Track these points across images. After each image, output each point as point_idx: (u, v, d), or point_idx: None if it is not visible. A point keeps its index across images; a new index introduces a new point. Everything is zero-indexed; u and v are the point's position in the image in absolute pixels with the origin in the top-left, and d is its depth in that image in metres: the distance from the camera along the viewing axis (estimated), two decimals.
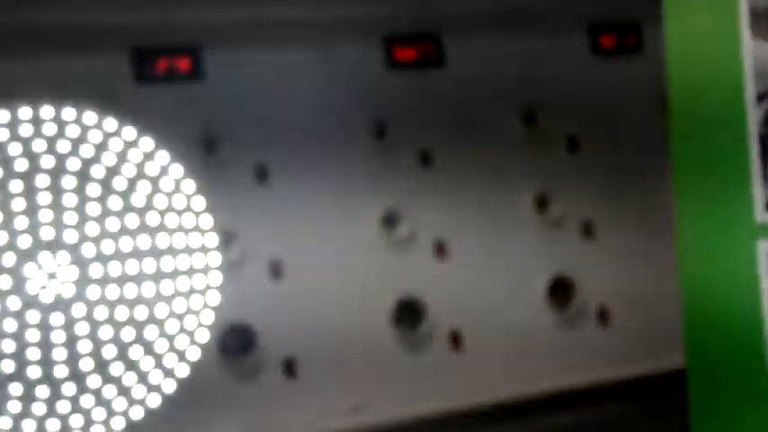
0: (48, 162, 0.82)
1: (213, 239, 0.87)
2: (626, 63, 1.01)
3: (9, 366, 0.81)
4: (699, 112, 0.86)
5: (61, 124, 0.83)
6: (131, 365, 0.84)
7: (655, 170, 1.01)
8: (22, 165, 0.82)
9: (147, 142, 0.85)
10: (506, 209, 0.97)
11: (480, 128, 0.96)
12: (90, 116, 0.83)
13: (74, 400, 0.83)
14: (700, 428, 0.89)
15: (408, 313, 0.93)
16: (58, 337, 0.82)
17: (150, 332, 0.84)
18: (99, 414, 0.83)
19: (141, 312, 0.84)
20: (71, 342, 0.82)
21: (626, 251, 1.00)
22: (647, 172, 1.01)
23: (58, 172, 0.82)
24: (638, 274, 1.00)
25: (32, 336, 0.81)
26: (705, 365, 0.89)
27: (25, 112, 0.82)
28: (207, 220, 0.86)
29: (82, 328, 0.83)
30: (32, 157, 0.82)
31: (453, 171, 0.95)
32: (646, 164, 1.01)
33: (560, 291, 0.98)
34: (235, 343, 0.88)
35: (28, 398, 0.82)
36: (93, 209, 0.83)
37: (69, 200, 0.82)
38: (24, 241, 0.81)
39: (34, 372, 0.82)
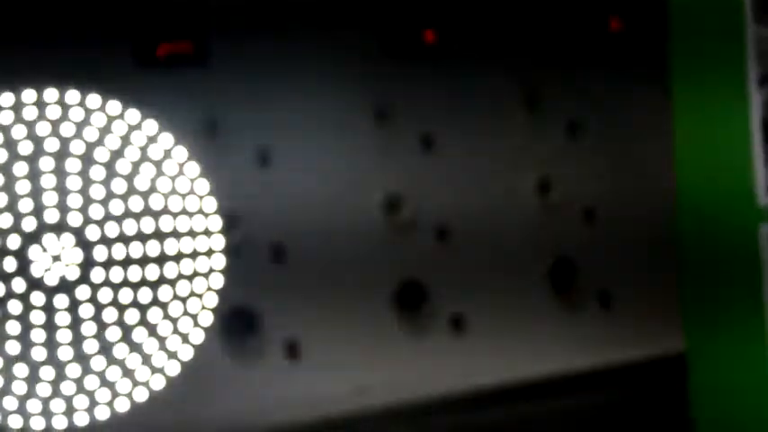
0: (52, 145, 0.82)
1: (216, 222, 0.87)
2: None
3: (14, 348, 0.81)
4: None
5: (65, 107, 0.83)
6: (135, 347, 0.85)
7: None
8: (26, 147, 0.82)
9: (151, 125, 0.85)
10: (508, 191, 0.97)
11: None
12: (94, 99, 0.84)
13: (78, 381, 0.83)
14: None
15: (410, 296, 0.94)
16: (63, 319, 0.82)
17: (154, 315, 0.85)
18: (103, 395, 0.84)
19: (145, 295, 0.84)
20: (75, 324, 0.83)
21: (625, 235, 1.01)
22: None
23: (62, 155, 0.83)
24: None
25: (37, 318, 0.82)
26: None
27: (29, 95, 0.82)
28: (210, 204, 0.87)
29: (86, 311, 0.83)
30: (37, 140, 0.82)
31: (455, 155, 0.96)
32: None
33: (562, 273, 0.99)
34: (237, 326, 0.88)
35: (33, 379, 0.82)
36: (97, 192, 0.83)
37: (73, 183, 0.83)
38: (29, 224, 0.82)
39: (38, 353, 0.82)
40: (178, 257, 0.85)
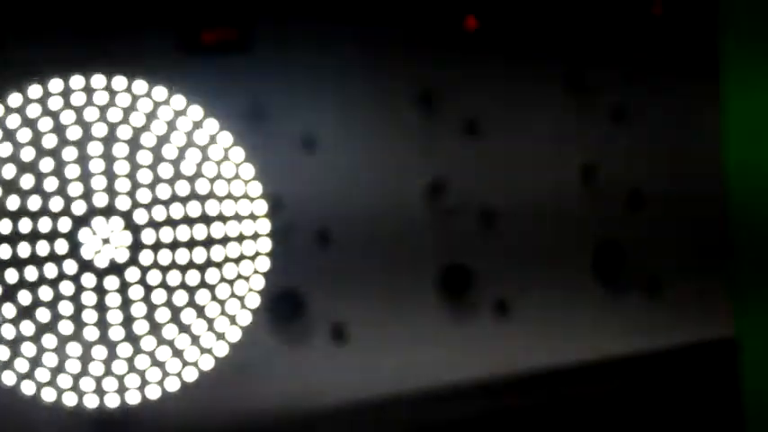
0: (100, 130, 0.84)
1: (262, 206, 0.88)
2: None
3: (67, 328, 0.83)
4: None
5: (112, 93, 0.84)
6: (184, 328, 0.86)
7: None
8: (75, 133, 0.84)
9: (196, 111, 0.86)
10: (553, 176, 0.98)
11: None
12: (140, 85, 0.85)
13: (129, 361, 0.85)
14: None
15: (455, 280, 0.94)
16: (113, 300, 0.84)
17: (202, 297, 0.86)
18: (154, 375, 0.85)
19: (193, 277, 0.86)
20: (126, 305, 0.84)
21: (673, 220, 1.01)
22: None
23: (109, 140, 0.84)
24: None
25: (88, 299, 0.84)
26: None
27: (77, 81, 0.84)
28: (255, 188, 0.88)
29: (136, 292, 0.84)
30: (85, 126, 0.84)
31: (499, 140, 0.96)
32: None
33: (608, 259, 0.99)
34: (284, 308, 0.89)
35: (86, 358, 0.84)
36: (144, 176, 0.85)
37: (121, 167, 0.84)
38: (79, 207, 0.83)
39: (91, 333, 0.84)
40: (224, 241, 0.87)
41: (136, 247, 0.85)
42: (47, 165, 0.83)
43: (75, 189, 0.83)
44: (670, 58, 1.01)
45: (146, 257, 0.85)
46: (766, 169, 1.03)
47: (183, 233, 0.86)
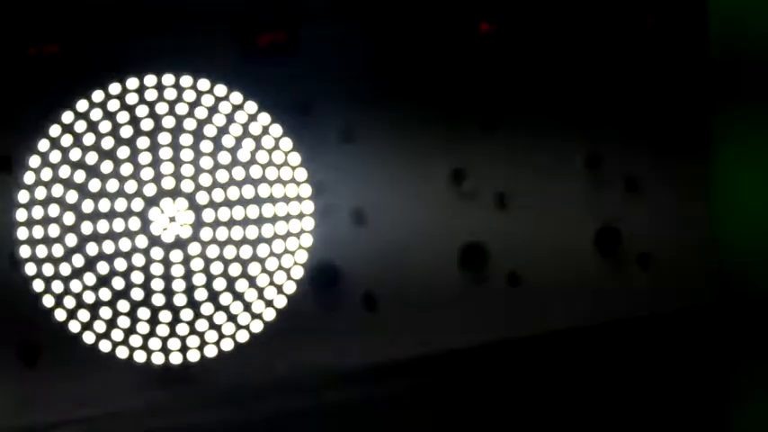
0: (169, 122, 0.91)
1: (306, 190, 0.95)
2: None
3: (138, 294, 0.90)
4: None
5: (180, 90, 0.91)
6: (238, 296, 0.93)
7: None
8: (147, 124, 0.90)
9: (251, 106, 0.93)
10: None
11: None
12: (203, 83, 0.92)
13: (191, 324, 0.91)
14: None
15: (472, 257, 1.01)
16: (178, 271, 0.91)
17: (253, 269, 0.93)
18: (212, 336, 0.92)
19: (246, 252, 0.92)
20: (188, 276, 0.91)
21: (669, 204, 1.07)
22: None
23: (176, 130, 0.91)
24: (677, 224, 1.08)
25: (156, 269, 0.90)
26: None
27: (150, 79, 0.91)
28: (301, 173, 0.94)
29: (197, 264, 0.91)
30: (156, 118, 0.90)
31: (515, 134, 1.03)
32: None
33: (606, 238, 1.06)
34: (323, 279, 0.96)
35: (153, 321, 0.91)
36: (205, 162, 0.91)
37: (186, 154, 0.91)
38: (149, 189, 0.90)
39: (158, 299, 0.91)
40: (273, 219, 0.93)
41: (198, 224, 0.91)
42: (123, 152, 0.90)
43: (146, 174, 0.90)
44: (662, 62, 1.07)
45: (206, 234, 0.91)
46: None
47: (239, 213, 0.92)
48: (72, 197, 0.90)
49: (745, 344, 1.07)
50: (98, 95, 0.90)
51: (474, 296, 1.02)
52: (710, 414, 1.08)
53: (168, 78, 0.92)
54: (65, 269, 0.90)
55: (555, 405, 1.04)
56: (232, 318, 0.94)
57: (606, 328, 1.06)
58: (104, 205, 0.90)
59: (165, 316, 0.92)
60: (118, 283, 0.90)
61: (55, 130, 0.90)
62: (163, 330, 0.92)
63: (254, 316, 0.94)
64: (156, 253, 0.91)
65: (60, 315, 0.90)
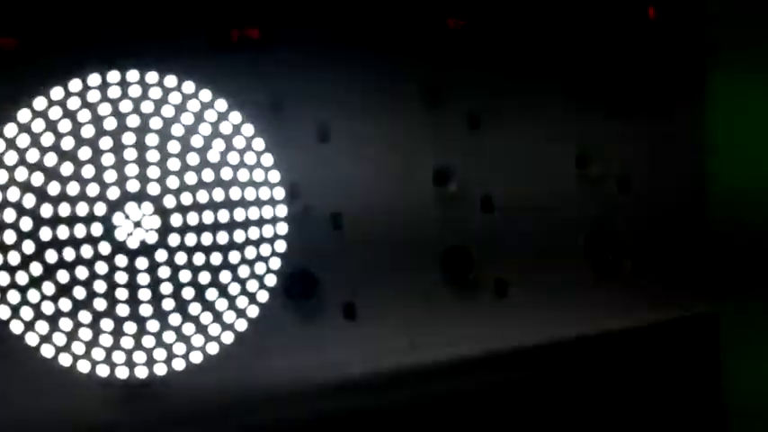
0: (133, 121, 0.87)
1: (280, 192, 0.91)
2: None
3: (101, 304, 0.86)
4: None
5: (145, 87, 0.87)
6: (208, 306, 0.89)
7: None
8: (110, 123, 0.86)
9: (221, 104, 0.89)
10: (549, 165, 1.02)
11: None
12: (170, 80, 0.88)
13: (158, 335, 0.88)
14: None
15: (457, 262, 0.98)
16: (143, 279, 0.87)
17: (224, 276, 0.90)
18: (179, 348, 0.89)
19: (216, 258, 0.89)
20: (155, 284, 0.87)
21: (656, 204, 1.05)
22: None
23: (142, 130, 0.87)
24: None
25: (121, 278, 0.87)
26: None
27: (113, 75, 0.86)
28: (274, 175, 0.91)
29: (164, 272, 0.87)
30: (120, 117, 0.87)
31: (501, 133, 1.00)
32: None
33: (596, 243, 1.03)
34: (299, 287, 0.93)
35: (117, 333, 0.87)
36: (173, 164, 0.88)
37: (152, 155, 0.87)
38: (113, 193, 0.86)
39: (123, 310, 0.87)
40: (246, 224, 0.90)
41: (165, 230, 0.88)
42: (85, 153, 0.86)
43: (109, 176, 0.86)
44: (660, 57, 1.05)
45: (173, 240, 0.88)
46: (745, 155, 1.07)
47: (208, 217, 0.89)
48: (29, 201, 0.85)
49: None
50: (57, 93, 0.86)
51: (460, 304, 0.99)
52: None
53: (133, 74, 0.88)
54: (21, 278, 0.86)
55: (547, 415, 1.02)
56: (201, 329, 0.90)
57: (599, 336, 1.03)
58: (65, 210, 0.86)
59: (130, 327, 0.88)
60: (79, 293, 0.87)
61: (11, 130, 0.86)
62: (127, 343, 0.88)
63: (225, 327, 0.91)
64: (121, 260, 0.87)
65: (17, 327, 0.86)
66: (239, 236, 0.90)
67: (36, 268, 0.86)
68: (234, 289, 0.91)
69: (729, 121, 1.06)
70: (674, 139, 1.07)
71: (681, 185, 1.07)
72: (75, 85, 0.86)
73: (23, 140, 0.85)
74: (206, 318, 0.90)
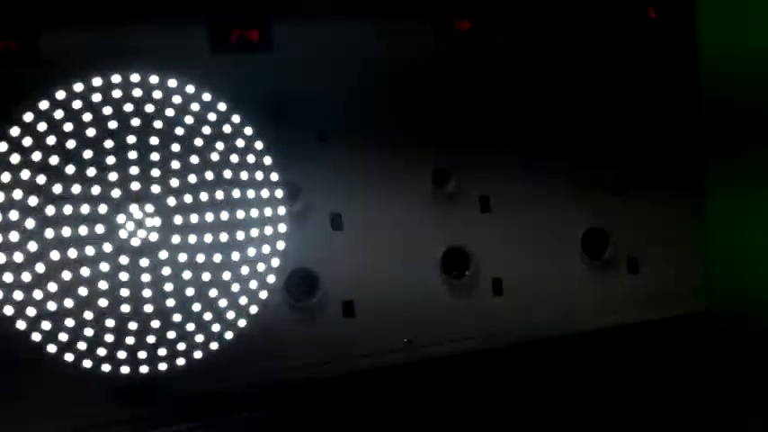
0: (135, 122, 0.88)
1: (280, 193, 0.93)
2: None
3: (104, 303, 0.87)
4: None
5: (147, 89, 0.88)
6: (209, 304, 0.90)
7: None
8: (113, 125, 0.87)
9: (222, 106, 0.90)
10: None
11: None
12: (172, 82, 0.89)
13: (160, 333, 0.89)
14: None
15: (454, 261, 0.99)
16: (146, 278, 0.88)
17: (225, 275, 0.90)
18: (182, 346, 0.90)
19: (217, 257, 0.90)
20: (157, 283, 0.88)
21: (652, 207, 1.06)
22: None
23: (144, 131, 0.88)
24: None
25: (123, 277, 0.87)
26: None
27: (116, 77, 0.88)
28: (275, 176, 0.92)
29: (166, 271, 0.88)
30: (122, 118, 0.88)
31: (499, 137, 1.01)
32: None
33: (593, 241, 1.04)
34: (299, 286, 0.94)
35: (120, 330, 0.88)
36: (174, 164, 0.89)
37: (154, 156, 0.88)
38: (116, 193, 0.87)
39: (125, 308, 0.88)
40: (246, 224, 0.91)
41: (167, 229, 0.89)
42: (88, 154, 0.87)
43: (112, 176, 0.87)
44: (655, 58, 1.06)
45: (175, 239, 0.89)
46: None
47: (210, 217, 0.90)
48: (33, 201, 0.86)
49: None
50: (61, 94, 0.87)
51: (457, 302, 0.99)
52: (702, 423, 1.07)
53: (135, 76, 0.89)
54: (26, 277, 0.86)
55: (543, 412, 1.02)
56: (203, 326, 0.91)
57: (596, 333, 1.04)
58: (68, 210, 0.87)
59: (133, 325, 0.89)
60: (83, 292, 0.87)
61: (15, 131, 0.87)
62: (130, 340, 0.89)
63: (226, 324, 0.92)
64: (123, 259, 0.88)
65: (22, 325, 0.87)
66: (240, 235, 0.91)
67: (40, 267, 0.86)
68: (235, 287, 0.91)
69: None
70: (669, 135, 1.08)
71: (677, 183, 1.08)
72: (78, 87, 0.87)
73: (27, 142, 0.86)
74: (208, 316, 0.91)
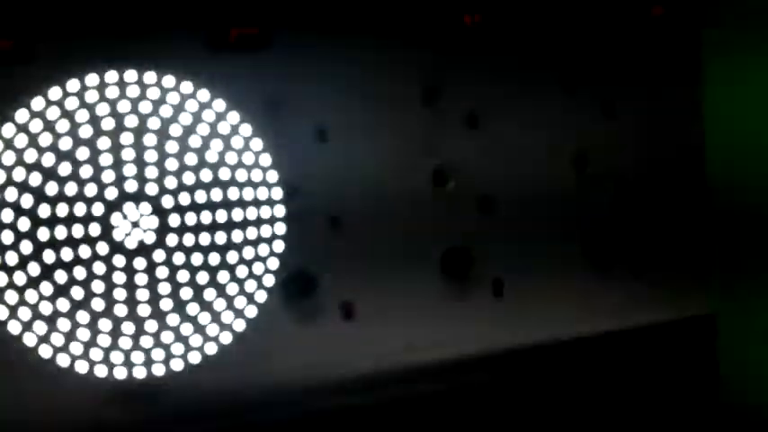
0: (131, 121, 0.87)
1: (278, 193, 0.91)
2: None
3: (99, 305, 0.86)
4: None
5: (143, 87, 0.87)
6: (206, 306, 0.89)
7: None
8: (108, 123, 0.86)
9: (220, 104, 0.89)
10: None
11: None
12: (168, 80, 0.88)
13: (156, 336, 0.88)
14: None
15: (456, 262, 0.98)
16: (141, 279, 0.87)
17: (222, 276, 0.89)
18: (178, 349, 0.89)
19: (214, 258, 0.89)
20: (153, 284, 0.87)
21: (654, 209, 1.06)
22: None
23: (140, 130, 0.87)
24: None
25: (119, 278, 0.86)
26: None
27: (111, 75, 0.86)
28: (272, 175, 0.91)
29: (162, 272, 0.87)
30: (118, 117, 0.86)
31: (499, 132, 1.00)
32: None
33: (594, 242, 1.03)
34: (297, 288, 0.93)
35: (115, 333, 0.87)
36: (171, 164, 0.88)
37: (150, 156, 0.87)
38: (111, 193, 0.86)
39: (121, 310, 0.87)
40: (243, 224, 0.90)
41: (163, 230, 0.88)
42: (82, 153, 0.86)
43: (107, 176, 0.86)
44: (658, 54, 1.06)
45: (171, 240, 0.88)
46: (747, 156, 1.07)
47: (206, 217, 0.89)
48: (27, 201, 0.85)
49: None
50: (55, 93, 0.86)
51: (458, 304, 0.98)
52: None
53: (131, 74, 0.88)
54: (19, 278, 0.85)
55: (544, 415, 1.02)
56: (200, 329, 0.90)
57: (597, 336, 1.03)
58: (62, 210, 0.86)
59: (128, 328, 0.88)
60: (77, 293, 0.86)
61: (8, 130, 0.85)
62: (125, 343, 0.88)
63: (223, 327, 0.91)
64: (119, 260, 0.87)
65: (15, 328, 0.86)
66: (237, 236, 0.90)
67: (34, 269, 0.85)
68: (232, 289, 0.90)
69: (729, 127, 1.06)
70: (673, 138, 1.07)
71: (680, 184, 1.07)
72: (72, 85, 0.86)
73: (21, 141, 0.85)
74: (204, 318, 0.90)
